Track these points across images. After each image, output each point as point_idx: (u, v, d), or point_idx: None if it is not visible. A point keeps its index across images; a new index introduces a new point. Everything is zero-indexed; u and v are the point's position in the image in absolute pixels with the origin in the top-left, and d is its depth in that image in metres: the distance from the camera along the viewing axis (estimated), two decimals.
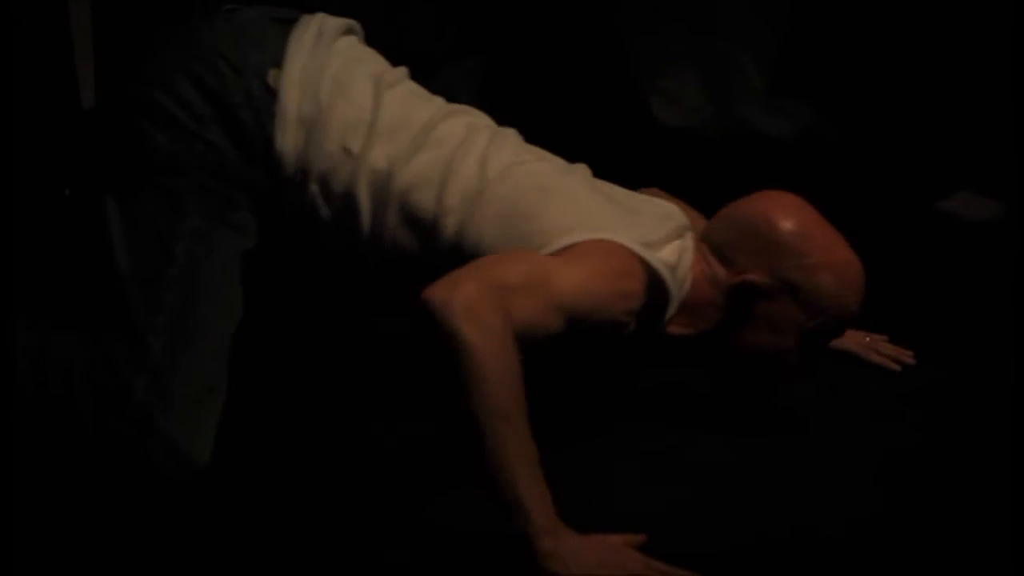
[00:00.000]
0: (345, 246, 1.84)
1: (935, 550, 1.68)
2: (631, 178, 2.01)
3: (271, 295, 2.05)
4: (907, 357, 2.23)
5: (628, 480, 1.84)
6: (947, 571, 1.65)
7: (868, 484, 1.84)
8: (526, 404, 1.56)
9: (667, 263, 1.83)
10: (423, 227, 1.80)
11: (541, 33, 3.51)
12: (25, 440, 1.77)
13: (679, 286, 1.85)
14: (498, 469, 1.53)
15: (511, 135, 1.93)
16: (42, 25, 2.41)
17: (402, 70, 1.91)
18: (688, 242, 1.90)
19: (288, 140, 1.78)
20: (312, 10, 1.90)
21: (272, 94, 1.78)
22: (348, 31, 1.92)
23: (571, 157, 1.96)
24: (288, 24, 1.84)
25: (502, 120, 1.96)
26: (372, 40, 1.96)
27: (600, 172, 1.97)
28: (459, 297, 1.56)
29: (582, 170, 1.94)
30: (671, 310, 1.86)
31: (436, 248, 1.78)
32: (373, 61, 1.91)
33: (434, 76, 1.95)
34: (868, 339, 2.22)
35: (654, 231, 1.84)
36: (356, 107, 1.81)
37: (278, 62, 1.79)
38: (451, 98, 1.95)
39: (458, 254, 1.76)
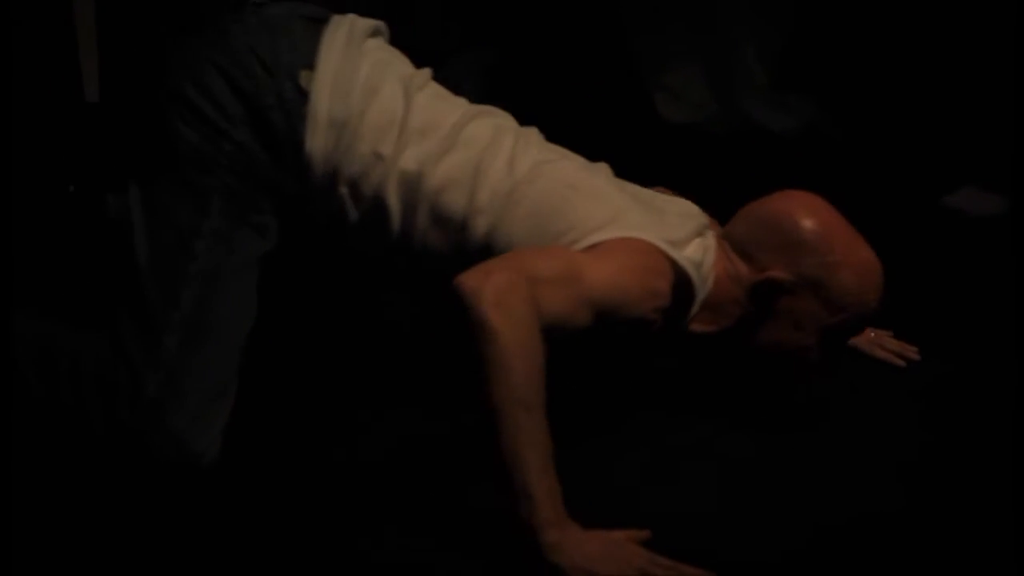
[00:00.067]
0: (373, 248, 1.85)
1: (945, 545, 1.68)
2: (635, 174, 2.01)
3: (287, 298, 2.05)
4: (912, 352, 2.23)
5: (641, 475, 1.84)
6: (957, 564, 1.65)
7: (878, 481, 1.84)
8: (546, 396, 1.57)
9: (693, 261, 1.84)
10: (453, 228, 1.80)
11: (546, 29, 3.52)
12: (30, 434, 1.77)
13: (703, 284, 1.87)
14: (512, 457, 1.53)
15: (535, 134, 1.94)
16: (45, 21, 2.41)
17: (427, 71, 1.92)
18: (710, 240, 1.91)
19: (318, 142, 1.78)
20: (323, 5, 1.90)
21: (303, 96, 1.78)
22: (375, 32, 1.92)
23: (576, 153, 1.96)
24: (318, 23, 1.84)
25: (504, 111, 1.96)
26: None
27: None
28: (490, 285, 1.58)
29: (605, 169, 1.96)
30: (695, 308, 1.87)
31: (466, 248, 1.79)
32: (400, 63, 1.91)
33: (439, 71, 1.95)
34: (873, 334, 2.22)
35: (678, 229, 1.86)
36: (387, 110, 1.81)
37: (310, 63, 1.79)
38: (456, 93, 1.95)
39: (488, 254, 1.76)
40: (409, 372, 2.09)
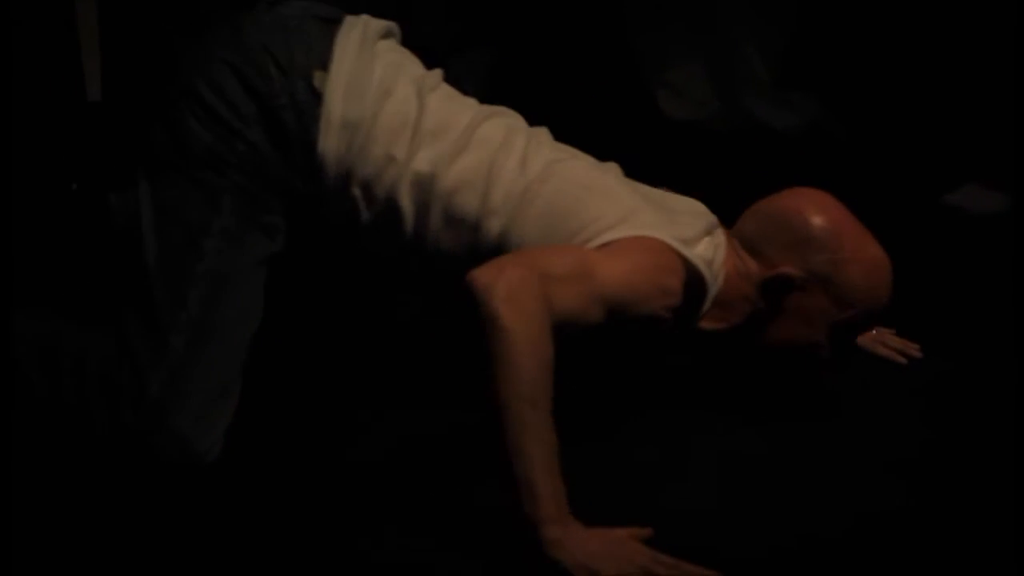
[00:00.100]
0: (385, 249, 1.86)
1: (947, 543, 1.68)
2: (638, 172, 2.01)
3: (293, 300, 2.05)
4: (914, 350, 2.23)
5: (647, 472, 1.84)
6: (958, 562, 1.65)
7: (880, 479, 1.84)
8: (553, 393, 1.57)
9: (704, 258, 1.86)
10: (467, 228, 1.81)
11: (547, 27, 3.51)
12: (32, 433, 1.78)
13: (714, 281, 1.88)
14: (517, 452, 1.54)
15: (545, 134, 1.95)
16: (47, 19, 2.41)
17: (438, 72, 1.92)
18: (720, 238, 1.93)
19: (330, 144, 1.78)
20: (331, 4, 1.90)
21: (317, 97, 1.78)
22: (388, 33, 1.92)
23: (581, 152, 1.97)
24: (331, 23, 1.84)
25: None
26: None
27: None
28: (503, 281, 1.59)
29: (615, 168, 1.97)
30: (707, 305, 1.88)
31: (479, 249, 1.78)
32: (412, 64, 1.91)
33: (441, 68, 1.95)
34: (875, 332, 2.22)
35: (689, 228, 1.87)
36: (400, 111, 1.81)
37: (324, 64, 1.79)
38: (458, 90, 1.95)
39: (501, 253, 1.76)
40: (411, 372, 2.09)
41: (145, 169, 1.79)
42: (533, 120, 1.96)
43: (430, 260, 1.84)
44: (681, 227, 1.85)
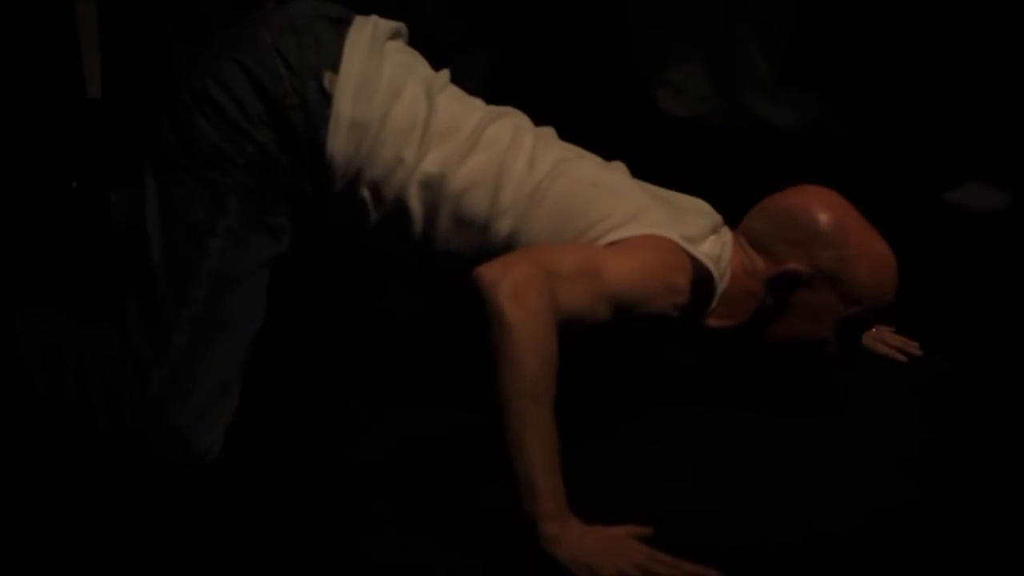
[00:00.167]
0: (391, 249, 1.86)
1: (947, 541, 1.68)
2: (638, 169, 2.01)
3: (295, 301, 2.05)
4: (914, 348, 2.23)
5: (649, 470, 1.85)
6: (958, 560, 1.65)
7: (879, 478, 1.85)
8: (555, 391, 1.58)
9: (711, 256, 1.87)
10: (476, 229, 1.81)
11: (548, 25, 3.51)
12: (32, 430, 1.78)
13: (721, 279, 1.89)
14: (517, 448, 1.54)
15: (551, 133, 1.95)
16: (47, 17, 2.41)
17: (445, 73, 1.92)
18: (726, 235, 1.94)
19: (339, 145, 1.78)
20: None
21: (327, 98, 1.78)
22: (396, 34, 1.92)
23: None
24: (340, 24, 1.84)
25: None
26: None
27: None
28: (510, 277, 1.59)
29: (622, 167, 1.98)
30: (714, 303, 1.89)
31: (488, 249, 1.78)
32: (420, 65, 1.91)
33: (443, 66, 1.95)
34: (875, 330, 2.22)
35: (696, 226, 1.88)
36: (410, 113, 1.81)
37: (334, 65, 1.79)
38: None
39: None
40: (411, 372, 2.09)
41: (152, 166, 1.79)
42: (534, 118, 1.96)
43: (437, 261, 1.84)
44: (687, 225, 1.86)
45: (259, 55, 1.77)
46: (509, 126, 1.88)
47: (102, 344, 1.77)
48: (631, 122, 3.37)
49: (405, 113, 1.81)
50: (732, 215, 2.01)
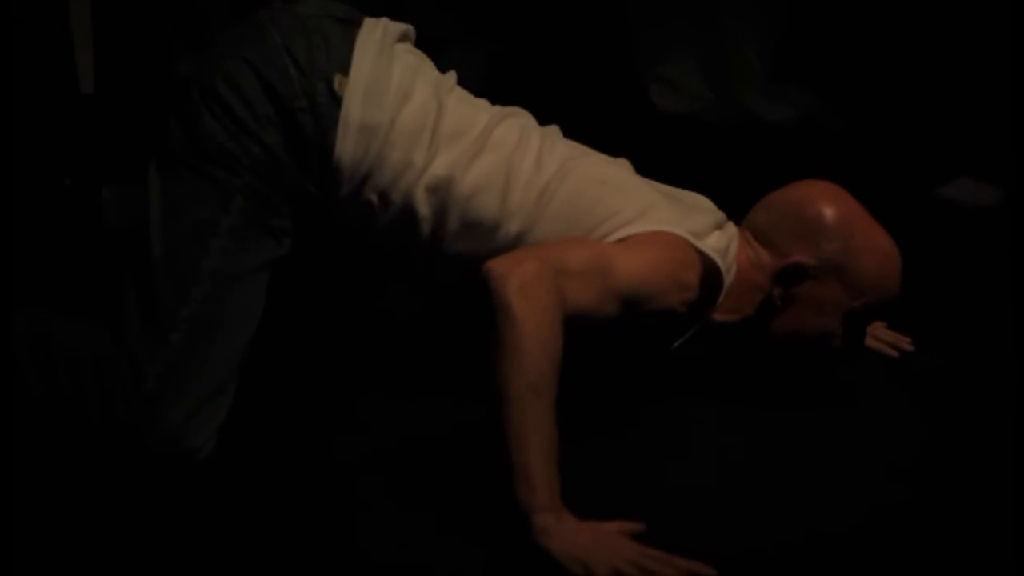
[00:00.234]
0: (396, 251, 1.86)
1: (945, 539, 1.69)
2: (632, 166, 2.02)
3: (296, 301, 2.05)
4: (905, 344, 2.23)
5: (650, 465, 1.85)
6: (958, 558, 1.66)
7: (870, 474, 1.85)
8: (557, 387, 1.59)
9: (718, 250, 1.88)
10: (485, 230, 1.82)
11: (542, 20, 3.51)
12: (25, 426, 1.78)
13: (728, 273, 1.90)
14: (516, 439, 1.55)
15: (556, 132, 1.96)
16: (40, 15, 2.41)
17: (452, 75, 1.92)
18: (732, 230, 1.96)
19: (347, 148, 1.78)
20: None
21: (336, 100, 1.78)
22: (404, 36, 1.92)
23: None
24: (350, 25, 1.84)
25: (500, 104, 1.96)
26: None
27: None
28: (518, 272, 1.60)
29: (627, 164, 1.99)
30: (721, 297, 1.90)
31: (497, 250, 1.77)
32: (428, 67, 1.91)
33: (436, 61, 1.95)
34: None
35: (700, 222, 1.89)
36: (419, 116, 1.81)
37: (344, 67, 1.79)
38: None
39: None
40: (412, 371, 2.09)
41: (156, 162, 1.79)
42: (529, 113, 1.97)
43: (443, 262, 1.84)
44: (692, 221, 1.88)
45: (269, 55, 1.77)
46: (516, 126, 1.89)
47: (96, 340, 1.77)
48: (625, 118, 3.37)
49: (414, 116, 1.81)
50: (727, 211, 2.01)
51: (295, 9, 1.84)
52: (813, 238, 1.91)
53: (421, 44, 1.97)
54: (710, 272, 1.87)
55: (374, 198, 1.81)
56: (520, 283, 1.59)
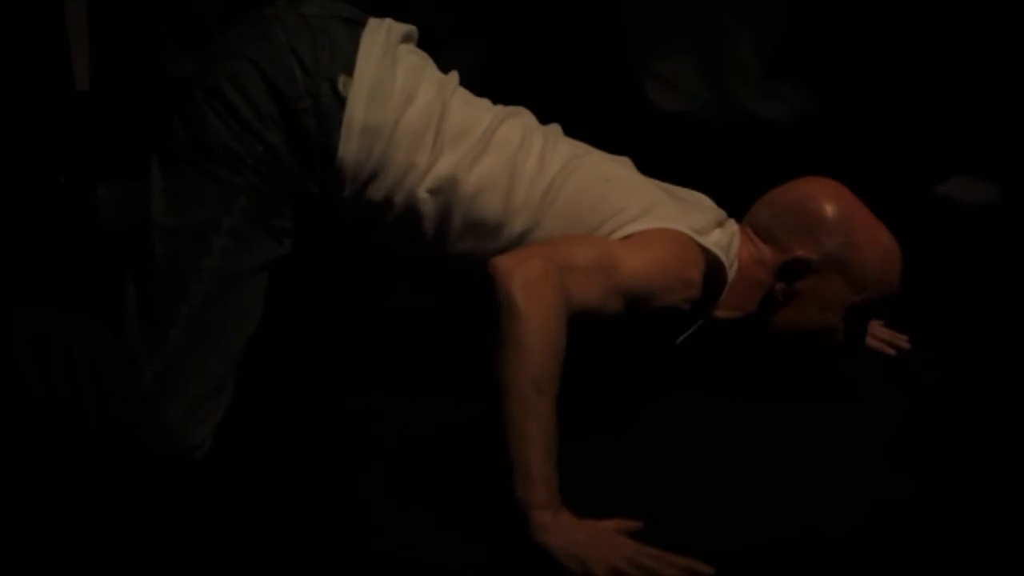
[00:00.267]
0: (402, 251, 1.86)
1: (944, 537, 1.69)
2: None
3: (297, 301, 2.05)
4: (902, 341, 2.24)
5: (651, 461, 1.86)
6: (958, 556, 1.66)
7: (865, 472, 1.85)
8: (559, 385, 1.59)
9: (721, 246, 1.89)
10: (489, 230, 1.82)
11: (538, 17, 3.51)
12: (24, 424, 1.77)
13: (731, 269, 1.91)
14: (517, 435, 1.56)
15: (557, 131, 1.96)
16: (36, 13, 2.41)
17: (454, 75, 1.92)
18: (733, 227, 1.97)
19: (351, 149, 1.78)
20: None
21: (340, 101, 1.77)
22: (407, 37, 1.92)
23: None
24: (354, 25, 1.84)
25: (497, 102, 1.97)
26: None
27: None
28: (524, 269, 1.61)
29: (628, 162, 1.99)
30: (724, 293, 1.91)
31: (501, 250, 1.78)
32: (430, 67, 1.91)
33: (435, 60, 1.95)
34: None
35: (702, 219, 1.90)
36: (423, 117, 1.81)
37: (348, 67, 1.78)
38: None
39: None
40: (414, 371, 2.08)
41: (159, 160, 1.79)
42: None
43: (448, 262, 1.84)
44: (694, 219, 1.88)
45: (274, 54, 1.77)
46: (519, 126, 1.89)
47: (93, 337, 1.77)
48: (621, 116, 3.37)
49: (418, 117, 1.81)
50: (723, 208, 2.02)
51: (300, 8, 1.83)
52: (815, 233, 1.92)
53: (420, 43, 1.97)
54: (713, 269, 1.87)
55: (377, 199, 1.81)
56: (525, 280, 1.60)
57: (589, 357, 1.71)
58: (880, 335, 2.23)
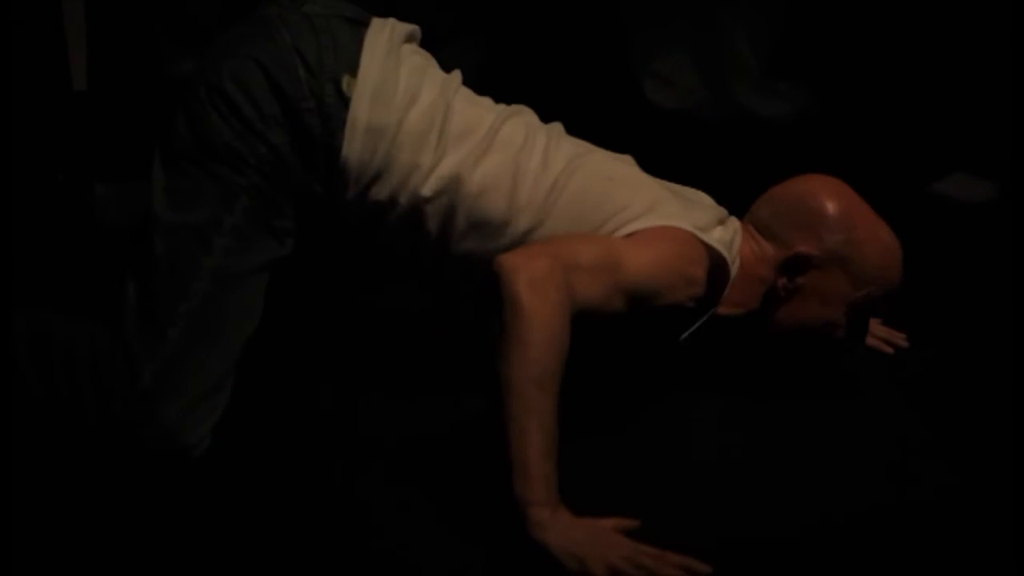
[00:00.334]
0: (406, 251, 1.87)
1: (942, 536, 1.69)
2: None
3: (297, 300, 2.05)
4: (900, 339, 2.24)
5: (651, 459, 1.86)
6: (957, 555, 1.66)
7: (863, 470, 1.85)
8: (561, 383, 1.59)
9: (723, 242, 1.89)
10: (493, 229, 1.82)
11: (536, 15, 3.51)
12: (23, 423, 1.77)
13: (733, 265, 1.92)
14: (517, 432, 1.56)
15: (560, 130, 1.96)
16: (33, 13, 2.41)
17: (457, 75, 1.92)
18: (735, 224, 1.98)
19: (355, 150, 1.78)
20: None
21: (344, 101, 1.77)
22: (410, 37, 1.92)
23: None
24: (358, 25, 1.84)
25: (497, 101, 1.97)
26: None
27: None
28: (529, 267, 1.62)
29: (630, 160, 2.00)
30: (726, 291, 1.92)
31: (506, 248, 1.78)
32: (433, 67, 1.92)
33: (435, 58, 1.95)
34: None
35: (704, 217, 1.91)
36: (427, 117, 1.81)
37: (352, 68, 1.78)
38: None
39: None
40: (414, 370, 2.09)
41: (161, 158, 1.78)
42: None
43: (451, 261, 1.85)
44: (698, 216, 1.89)
45: (278, 54, 1.77)
46: (522, 125, 1.89)
47: (92, 337, 1.77)
48: (619, 114, 3.37)
49: (422, 117, 1.81)
50: (723, 205, 2.02)
51: (303, 8, 1.83)
52: (817, 230, 1.93)
53: (421, 43, 1.97)
54: (716, 266, 1.88)
55: (381, 199, 1.81)
56: (530, 277, 1.61)
57: (592, 354, 1.72)
58: (878, 333, 2.24)
